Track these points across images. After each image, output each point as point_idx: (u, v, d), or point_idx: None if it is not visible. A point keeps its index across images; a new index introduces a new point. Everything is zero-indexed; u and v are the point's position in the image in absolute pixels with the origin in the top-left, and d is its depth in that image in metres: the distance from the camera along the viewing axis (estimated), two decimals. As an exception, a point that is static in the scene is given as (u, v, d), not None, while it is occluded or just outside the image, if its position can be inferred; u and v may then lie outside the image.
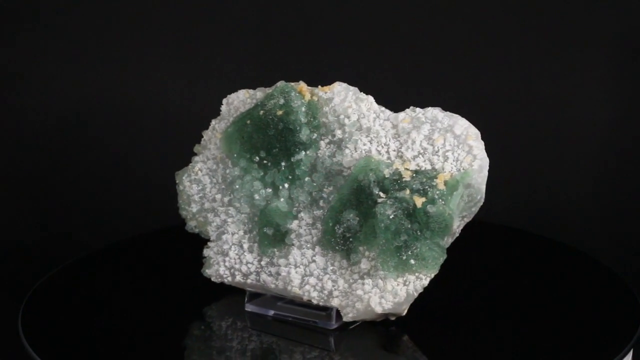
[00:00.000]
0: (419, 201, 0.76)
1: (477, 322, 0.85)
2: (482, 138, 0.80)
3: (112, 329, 0.84)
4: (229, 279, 0.87)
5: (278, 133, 0.83)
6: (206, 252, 0.88)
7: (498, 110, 1.43)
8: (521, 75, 1.43)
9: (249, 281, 0.85)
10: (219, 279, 0.87)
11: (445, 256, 0.77)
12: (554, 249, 1.01)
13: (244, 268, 0.85)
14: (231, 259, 0.86)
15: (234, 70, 1.43)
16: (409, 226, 0.76)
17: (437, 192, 0.76)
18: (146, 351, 0.80)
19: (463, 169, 0.76)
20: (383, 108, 0.82)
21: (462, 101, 1.43)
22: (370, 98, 0.82)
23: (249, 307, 0.86)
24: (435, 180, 0.76)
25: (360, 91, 0.84)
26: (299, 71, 1.28)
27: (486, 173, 0.77)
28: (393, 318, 0.81)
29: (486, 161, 0.77)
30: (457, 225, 0.78)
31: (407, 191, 0.76)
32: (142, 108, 1.43)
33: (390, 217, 0.76)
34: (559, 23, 1.41)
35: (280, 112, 0.82)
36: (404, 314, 0.80)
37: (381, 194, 0.78)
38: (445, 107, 1.43)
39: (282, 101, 0.83)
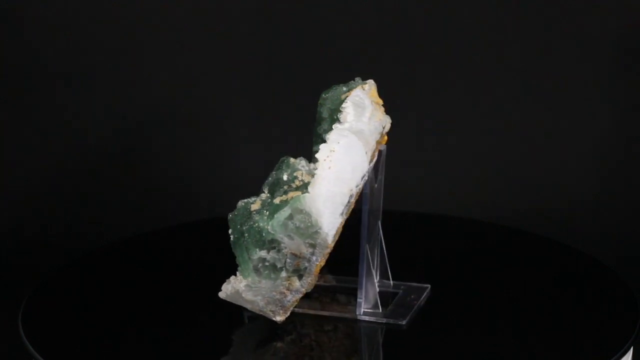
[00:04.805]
0: (255, 206, 0.77)
1: (475, 321, 0.85)
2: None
3: (113, 329, 0.84)
4: None
5: (317, 119, 0.84)
6: None
7: (498, 110, 1.43)
8: (521, 74, 1.43)
9: None
10: None
11: (251, 267, 0.77)
12: (554, 249, 1.01)
13: None
14: None
15: (233, 67, 1.43)
16: (238, 227, 0.77)
17: (270, 206, 0.76)
18: (148, 351, 0.80)
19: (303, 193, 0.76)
20: (348, 120, 0.81)
21: (461, 101, 1.43)
22: (349, 109, 0.81)
23: None
24: (286, 195, 0.77)
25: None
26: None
27: (320, 207, 0.75)
28: (276, 320, 0.81)
29: (319, 194, 0.76)
30: (311, 252, 0.77)
31: (264, 196, 0.78)
32: (142, 106, 1.43)
33: (234, 212, 0.77)
34: (559, 23, 1.41)
35: (321, 102, 0.83)
36: (275, 319, 0.80)
37: (265, 191, 0.79)
38: (445, 108, 1.44)
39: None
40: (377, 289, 0.87)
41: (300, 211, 0.76)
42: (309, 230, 0.76)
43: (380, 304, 0.84)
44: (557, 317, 0.85)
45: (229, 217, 0.78)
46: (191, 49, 1.42)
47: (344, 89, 0.83)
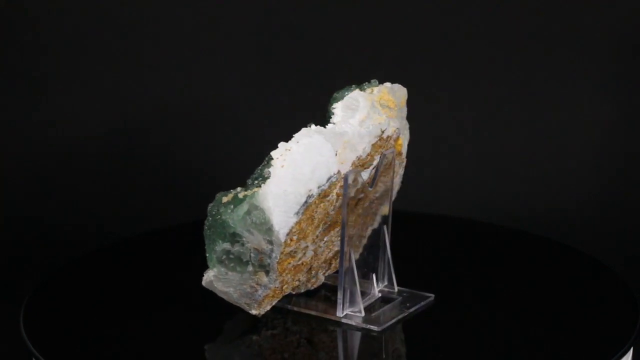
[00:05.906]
0: (226, 199, 0.77)
1: (475, 321, 0.85)
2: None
3: (113, 328, 0.84)
4: None
5: (326, 119, 0.84)
6: None
7: (498, 110, 1.43)
8: (521, 75, 1.43)
9: None
10: None
11: (214, 258, 0.78)
12: (554, 249, 1.01)
13: None
14: None
15: (233, 65, 1.43)
16: (210, 219, 0.77)
17: (235, 199, 0.77)
18: (148, 349, 0.80)
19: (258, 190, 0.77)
20: (335, 121, 0.82)
21: (462, 101, 1.43)
22: (337, 110, 0.82)
23: None
24: (251, 190, 0.77)
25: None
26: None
27: (270, 205, 0.76)
28: (253, 313, 0.82)
29: (269, 191, 0.76)
30: (270, 249, 0.77)
31: (239, 189, 0.78)
32: (142, 106, 1.43)
33: (212, 204, 0.78)
34: (559, 23, 1.41)
35: (331, 101, 0.84)
36: (252, 312, 0.81)
37: (248, 183, 0.79)
38: (445, 107, 1.44)
39: None
40: (378, 293, 0.87)
41: (256, 207, 0.76)
42: (264, 227, 0.76)
43: (372, 309, 0.84)
44: (557, 317, 0.85)
45: (208, 208, 0.78)
46: (192, 49, 1.42)
47: (336, 93, 0.83)
